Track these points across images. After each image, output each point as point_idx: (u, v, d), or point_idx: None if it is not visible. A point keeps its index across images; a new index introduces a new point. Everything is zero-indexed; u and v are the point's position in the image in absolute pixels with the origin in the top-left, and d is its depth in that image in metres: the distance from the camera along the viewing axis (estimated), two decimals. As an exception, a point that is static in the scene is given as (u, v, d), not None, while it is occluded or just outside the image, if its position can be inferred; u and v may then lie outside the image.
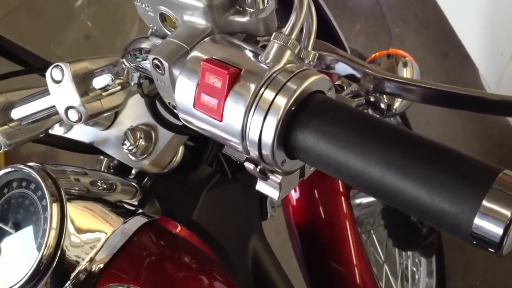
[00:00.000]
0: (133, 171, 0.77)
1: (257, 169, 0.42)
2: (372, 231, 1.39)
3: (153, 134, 0.71)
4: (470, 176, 0.33)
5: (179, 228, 0.70)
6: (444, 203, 0.33)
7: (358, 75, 0.48)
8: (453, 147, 0.36)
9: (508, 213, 0.31)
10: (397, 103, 0.79)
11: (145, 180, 0.75)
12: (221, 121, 0.40)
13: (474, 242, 0.33)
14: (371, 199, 1.33)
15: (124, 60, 0.51)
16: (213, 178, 0.76)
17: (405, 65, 0.79)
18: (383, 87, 0.47)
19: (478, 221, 0.32)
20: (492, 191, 0.32)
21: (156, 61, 0.44)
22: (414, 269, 1.54)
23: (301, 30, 0.44)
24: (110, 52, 0.58)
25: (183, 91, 0.42)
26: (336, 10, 0.89)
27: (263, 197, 0.91)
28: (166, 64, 0.44)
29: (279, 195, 0.44)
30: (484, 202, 0.32)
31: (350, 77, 0.48)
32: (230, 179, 0.83)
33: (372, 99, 0.78)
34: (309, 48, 0.44)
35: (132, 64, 0.50)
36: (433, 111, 2.01)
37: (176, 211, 0.71)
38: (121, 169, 0.78)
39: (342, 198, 1.06)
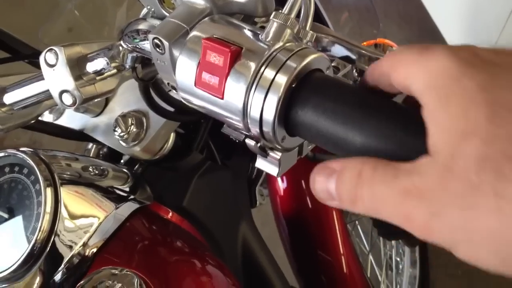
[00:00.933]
0: (123, 159, 0.77)
1: (258, 146, 0.43)
2: (357, 222, 1.40)
3: (144, 121, 0.71)
4: None
5: (170, 214, 0.71)
6: None
7: (354, 57, 0.49)
8: None
9: None
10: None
11: (136, 167, 0.75)
12: (222, 99, 0.41)
13: None
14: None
15: (121, 42, 0.51)
16: (203, 165, 0.77)
17: (392, 54, 0.80)
18: (378, 68, 0.48)
19: None
20: None
21: (156, 41, 0.44)
22: (398, 259, 1.55)
23: (297, 15, 0.44)
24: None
25: (184, 70, 0.42)
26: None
27: (252, 185, 0.91)
28: (166, 43, 0.44)
29: (278, 171, 0.44)
30: None
31: (346, 59, 0.49)
32: (220, 166, 0.83)
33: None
34: (307, 28, 0.44)
35: (130, 45, 0.50)
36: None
37: (167, 198, 0.71)
38: (111, 157, 0.78)
39: (329, 188, 1.06)
